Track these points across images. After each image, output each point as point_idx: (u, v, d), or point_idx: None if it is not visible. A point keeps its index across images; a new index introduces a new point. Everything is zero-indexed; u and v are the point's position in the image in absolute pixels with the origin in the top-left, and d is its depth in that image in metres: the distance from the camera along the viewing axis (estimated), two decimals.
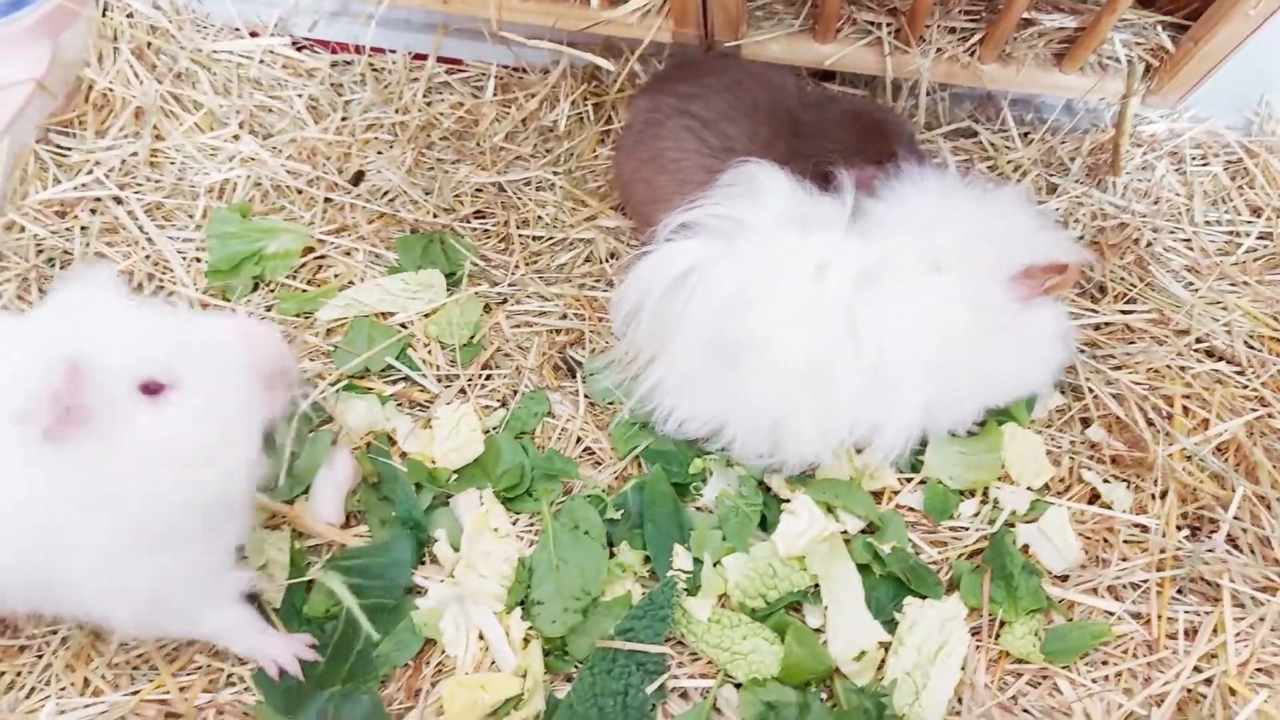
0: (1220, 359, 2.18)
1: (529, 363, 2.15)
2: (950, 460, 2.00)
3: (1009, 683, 1.76)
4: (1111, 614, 1.84)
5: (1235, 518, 1.90)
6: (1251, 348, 2.19)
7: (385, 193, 2.45)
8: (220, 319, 1.46)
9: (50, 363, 1.31)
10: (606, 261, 2.35)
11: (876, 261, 1.81)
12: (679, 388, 1.93)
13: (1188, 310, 2.24)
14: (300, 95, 2.58)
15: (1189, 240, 2.43)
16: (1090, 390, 2.13)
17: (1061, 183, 2.52)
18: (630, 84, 2.58)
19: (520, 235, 2.40)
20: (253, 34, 2.65)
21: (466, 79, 2.70)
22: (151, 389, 1.36)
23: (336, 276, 2.26)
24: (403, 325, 2.18)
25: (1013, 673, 1.78)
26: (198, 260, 2.26)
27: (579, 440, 2.04)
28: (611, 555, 1.85)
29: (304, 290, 2.24)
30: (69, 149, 2.38)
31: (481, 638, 1.75)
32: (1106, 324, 2.26)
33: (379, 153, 2.51)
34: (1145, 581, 1.88)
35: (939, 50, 2.36)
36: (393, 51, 2.70)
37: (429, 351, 2.15)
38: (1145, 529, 1.94)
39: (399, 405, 2.06)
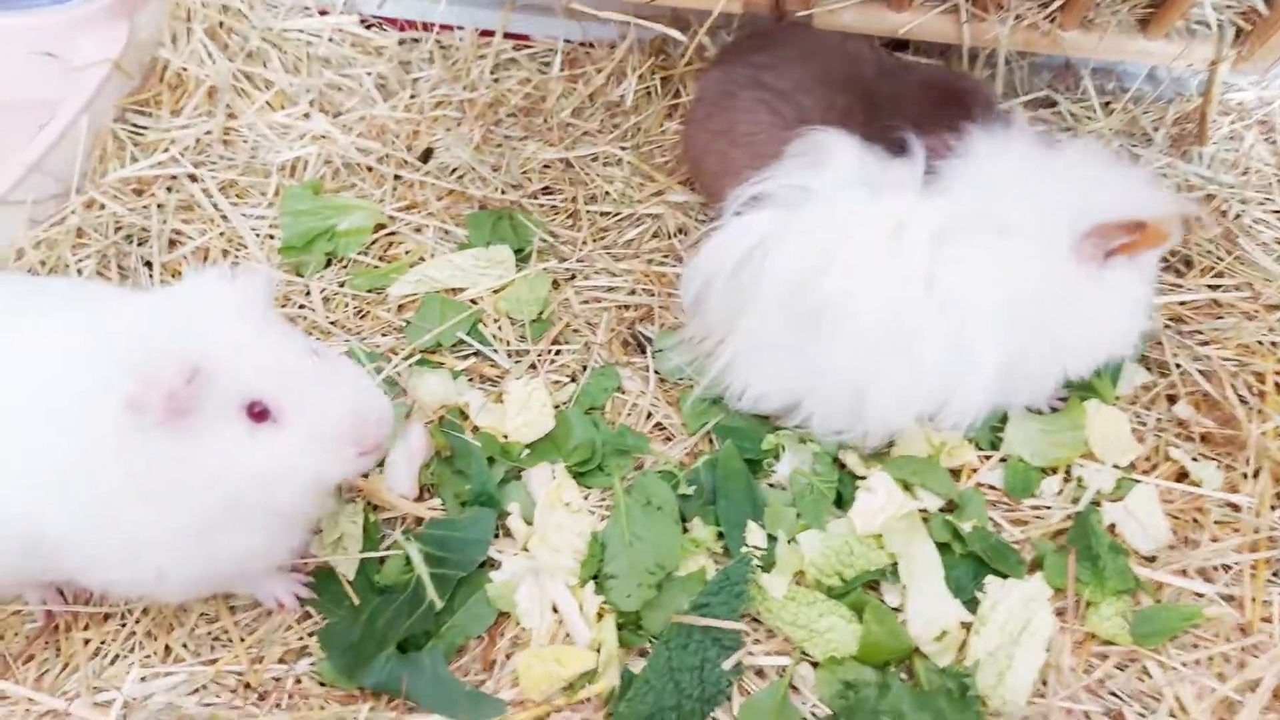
0: None
1: (598, 338, 2.13)
2: (1031, 437, 1.95)
3: (1095, 665, 1.71)
4: (1201, 596, 1.78)
5: None
6: None
7: (454, 170, 2.45)
8: (344, 384, 1.45)
9: (174, 359, 1.32)
10: (675, 237, 2.33)
11: (950, 222, 1.76)
12: (753, 364, 1.91)
13: None
14: (369, 73, 2.58)
15: None
16: (1177, 366, 2.05)
17: (1144, 154, 2.44)
18: (698, 57, 2.55)
19: (588, 211, 2.38)
20: (322, 12, 2.66)
21: (534, 55, 2.69)
22: (256, 414, 1.38)
23: (408, 253, 2.27)
24: (473, 301, 2.18)
25: (1099, 655, 1.72)
26: (270, 237, 2.28)
27: (649, 416, 2.03)
28: (684, 531, 1.83)
29: (376, 266, 2.24)
30: (145, 128, 2.41)
31: (555, 611, 1.74)
32: (1192, 300, 2.18)
33: (447, 130, 2.51)
34: (1237, 563, 1.81)
35: (1018, 17, 2.29)
36: (460, 28, 2.69)
37: (499, 327, 2.14)
38: (1237, 508, 1.87)
39: (470, 380, 2.06)
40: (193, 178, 2.33)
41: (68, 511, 1.44)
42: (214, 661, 1.68)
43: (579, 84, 2.61)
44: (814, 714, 1.64)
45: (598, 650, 1.69)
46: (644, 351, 2.13)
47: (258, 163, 2.40)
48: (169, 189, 2.33)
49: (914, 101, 2.06)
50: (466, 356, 2.10)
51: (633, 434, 1.96)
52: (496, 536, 1.84)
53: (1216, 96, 2.35)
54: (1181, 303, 2.18)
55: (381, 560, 1.80)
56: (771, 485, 1.92)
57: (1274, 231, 2.30)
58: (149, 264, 2.18)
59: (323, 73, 2.58)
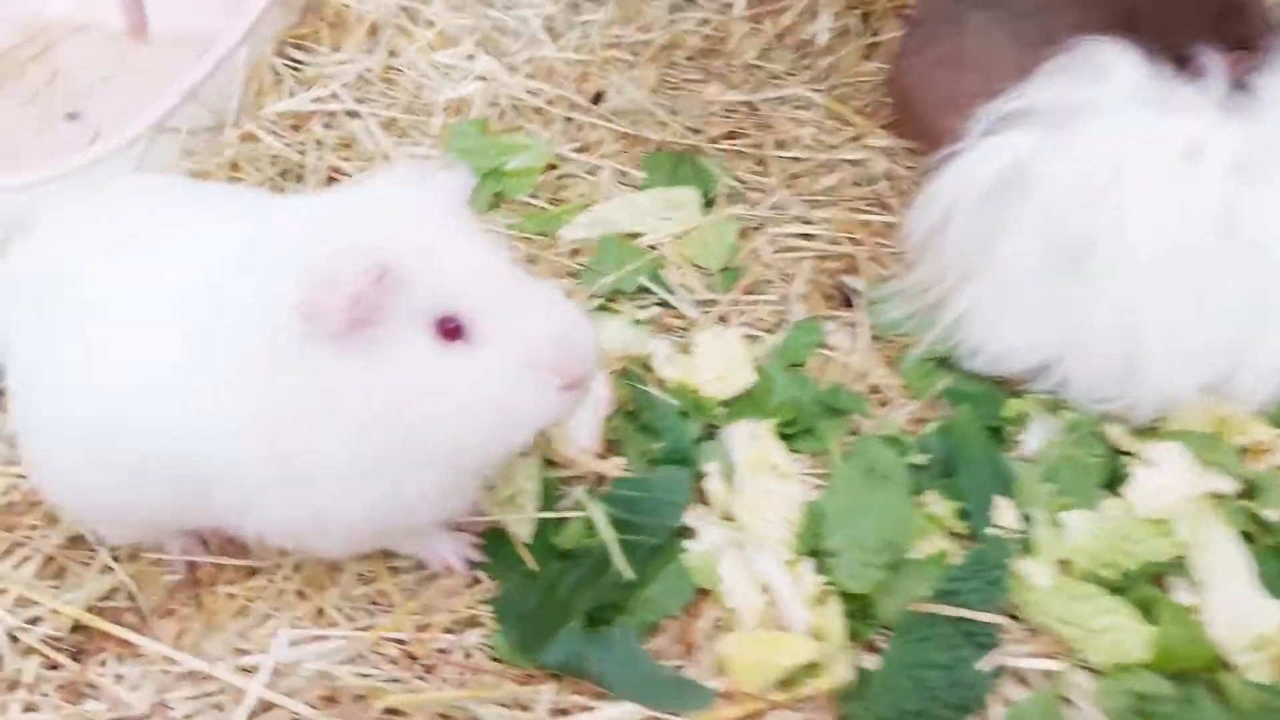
0: None
1: (796, 290, 1.87)
2: None
3: None
4: None
5: None
6: None
7: (627, 113, 2.22)
8: (549, 304, 1.23)
9: (361, 258, 1.12)
10: (879, 183, 2.05)
11: (1258, 150, 1.45)
12: (998, 314, 1.61)
13: None
14: (537, 15, 2.39)
15: None
16: None
17: None
18: None
19: (778, 157, 2.13)
20: None
21: None
22: (447, 331, 1.17)
23: (580, 196, 2.05)
24: (651, 247, 1.94)
25: None
26: None
27: (863, 376, 1.74)
28: (917, 506, 1.54)
29: (545, 209, 2.03)
30: (304, 63, 2.26)
31: (764, 590, 1.47)
32: None
33: (619, 73, 2.29)
34: None
35: None
36: None
37: (682, 275, 1.89)
38: None
39: (651, 330, 1.82)
40: (353, 114, 2.16)
41: (222, 437, 1.24)
42: (371, 627, 1.45)
43: (765, 23, 2.36)
44: None
45: (818, 639, 1.41)
46: (850, 305, 1.85)
47: (420, 102, 2.22)
48: (327, 125, 2.16)
49: (1183, 17, 1.75)
50: (647, 305, 1.86)
51: (847, 393, 1.68)
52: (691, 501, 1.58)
53: None
54: None
55: (560, 522, 1.55)
56: (1018, 459, 1.61)
57: None
58: None
59: (486, 13, 2.40)
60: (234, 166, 2.03)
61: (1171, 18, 1.75)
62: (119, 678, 1.43)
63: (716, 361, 1.71)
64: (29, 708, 1.39)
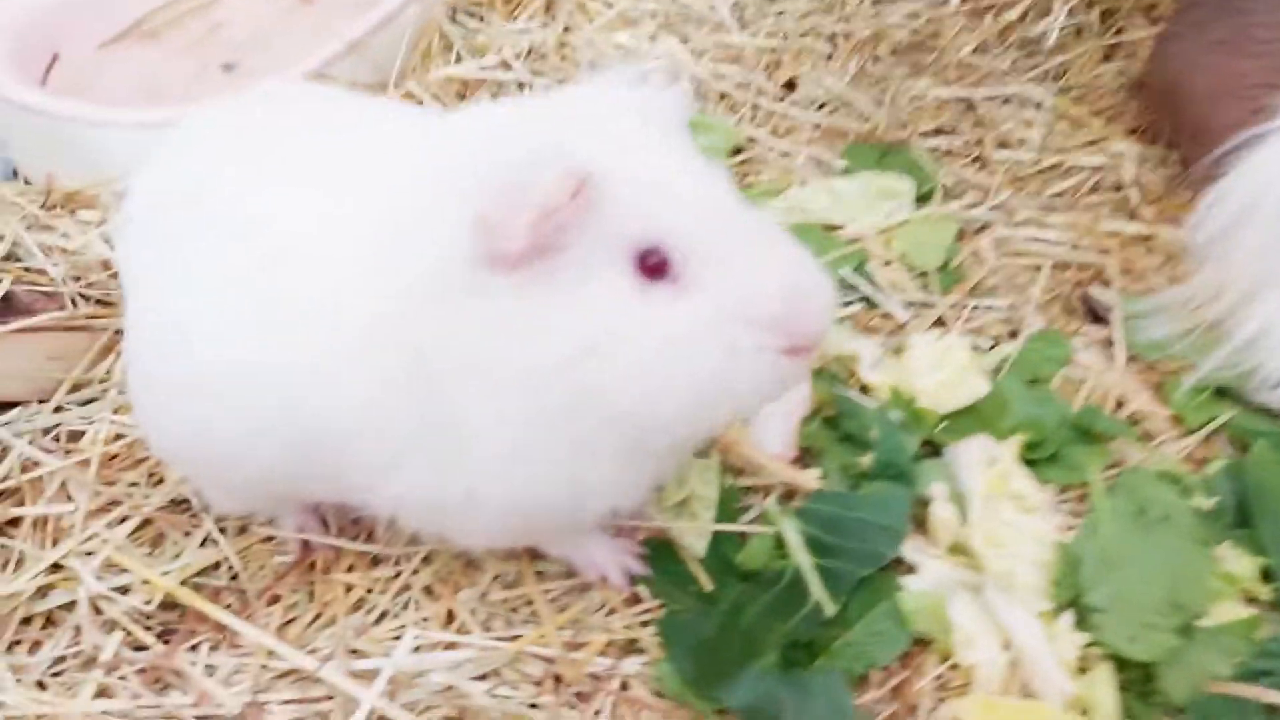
0: None
1: (1033, 299, 1.56)
2: None
3: None
4: None
5: None
6: None
7: (822, 104, 1.98)
8: (776, 246, 0.97)
9: (553, 166, 0.89)
10: (1129, 189, 1.75)
11: None
12: None
13: None
14: (726, 1, 2.18)
15: None
16: None
17: None
18: None
19: (999, 158, 1.84)
20: None
21: None
22: (650, 267, 0.92)
23: (770, 180, 1.80)
24: (853, 240, 1.67)
25: None
26: None
27: (1119, 404, 1.42)
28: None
29: None
30: (476, 30, 2.09)
31: (1008, 646, 1.15)
32: None
33: (814, 63, 2.06)
34: None
35: None
36: None
37: (891, 272, 1.61)
38: None
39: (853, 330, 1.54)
40: (524, 85, 1.97)
41: (363, 388, 1.01)
42: (515, 638, 1.19)
43: (985, 19, 2.10)
44: None
45: (1083, 714, 1.08)
46: (1098, 320, 1.54)
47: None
48: (494, 95, 1.97)
49: None
50: (850, 302, 1.58)
51: (1107, 418, 1.36)
52: None
53: None
54: None
55: (741, 537, 1.27)
56: None
57: None
58: None
59: None
60: None
61: None
62: (210, 669, 1.19)
63: (937, 369, 1.42)
64: (102, 691, 1.16)
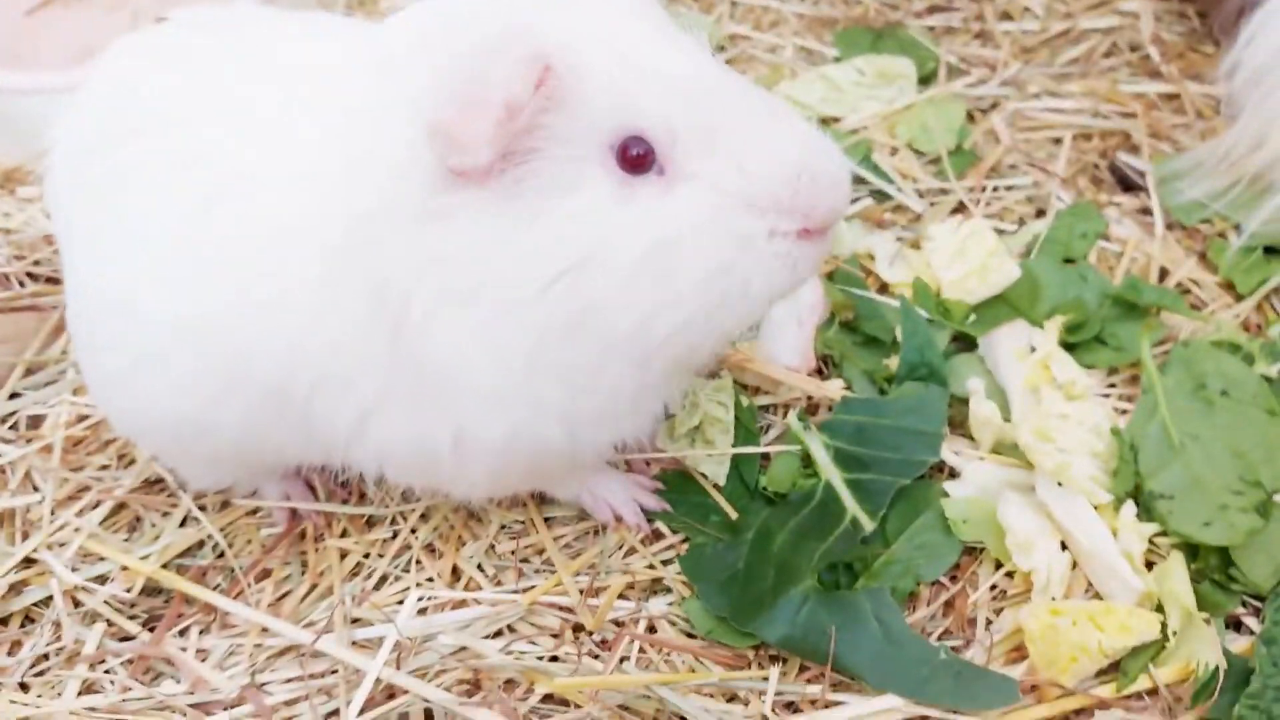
0: None
1: (1058, 171, 1.44)
2: None
3: None
4: None
5: None
6: None
7: None
8: (777, 119, 0.85)
9: (512, 48, 0.77)
10: (1148, 49, 1.61)
11: None
12: None
13: None
14: None
15: None
16: None
17: None
18: None
19: (1004, 30, 1.70)
20: None
21: None
22: (633, 159, 0.80)
23: (758, 79, 1.66)
24: (853, 132, 1.54)
25: None
26: None
27: (1163, 275, 1.30)
28: None
29: None
30: None
31: (1068, 546, 1.04)
32: None
33: None
34: None
35: None
36: None
37: (899, 160, 1.49)
38: None
39: (864, 226, 1.42)
40: None
41: (327, 329, 0.90)
42: (528, 590, 1.08)
43: None
44: None
45: (1157, 611, 0.98)
46: (1129, 189, 1.41)
47: None
48: None
49: None
50: (857, 198, 1.46)
51: (1151, 288, 1.24)
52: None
53: None
54: None
55: (764, 459, 1.16)
56: None
57: None
58: None
59: None
60: None
61: None
62: (202, 652, 1.09)
63: (961, 258, 1.30)
64: (89, 688, 1.07)
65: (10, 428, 1.29)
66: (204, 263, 0.94)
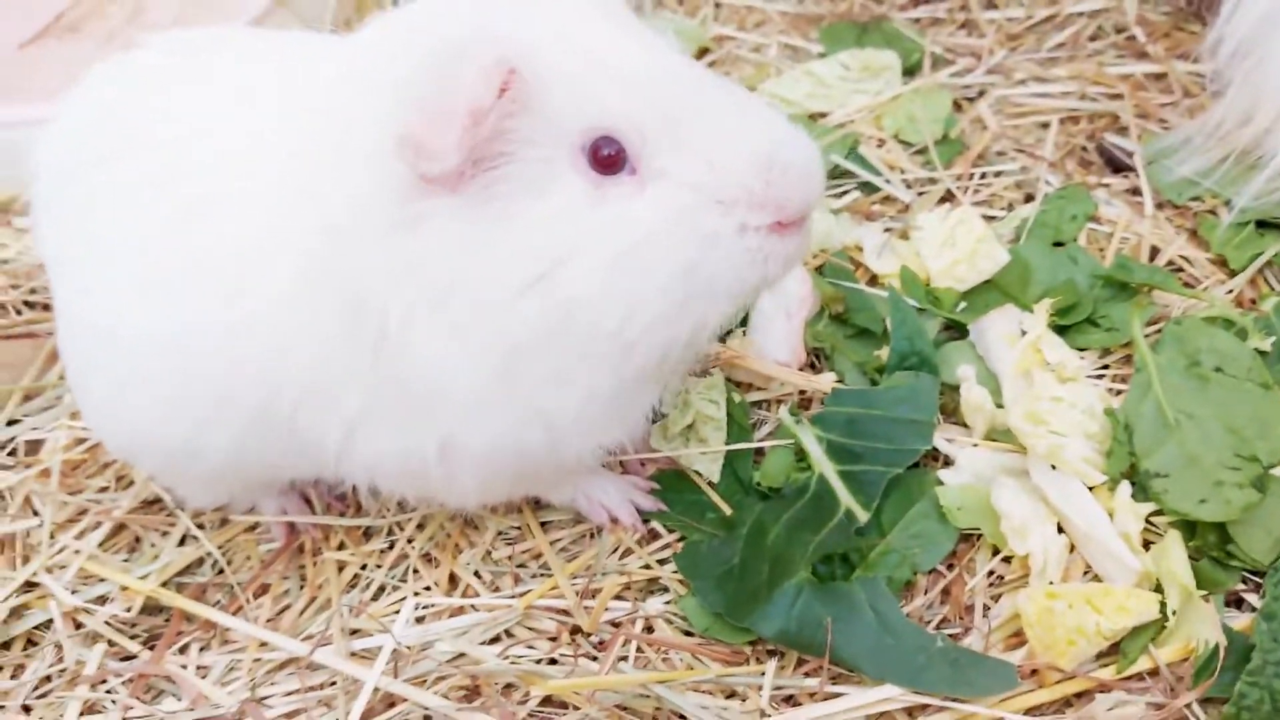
0: None
1: (1046, 155, 1.43)
2: None
3: None
4: None
5: None
6: None
7: None
8: (746, 113, 0.85)
9: (477, 54, 0.78)
10: (1133, 30, 1.60)
11: None
12: None
13: None
14: None
15: None
16: None
17: None
18: None
19: (988, 19, 1.70)
20: None
21: None
22: (604, 160, 0.81)
23: (742, 79, 1.66)
24: (840, 126, 1.54)
25: None
26: None
27: (1154, 253, 1.29)
28: None
29: None
30: None
31: (1064, 529, 1.03)
32: None
33: None
34: None
35: None
36: None
37: (886, 152, 1.48)
38: None
39: (852, 219, 1.41)
40: None
41: (295, 341, 0.91)
42: (524, 595, 1.08)
43: None
44: None
45: (1156, 590, 0.97)
46: (1118, 169, 1.41)
47: None
48: None
49: None
50: (845, 191, 1.45)
51: (1142, 266, 1.24)
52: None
53: None
54: None
55: (758, 454, 1.16)
56: None
57: None
58: None
59: None
60: None
61: None
62: (203, 669, 1.10)
63: (950, 246, 1.29)
64: (91, 708, 1.07)
65: (9, 454, 1.30)
66: (182, 284, 0.94)
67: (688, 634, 1.03)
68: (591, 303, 0.83)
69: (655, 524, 1.14)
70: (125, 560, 1.20)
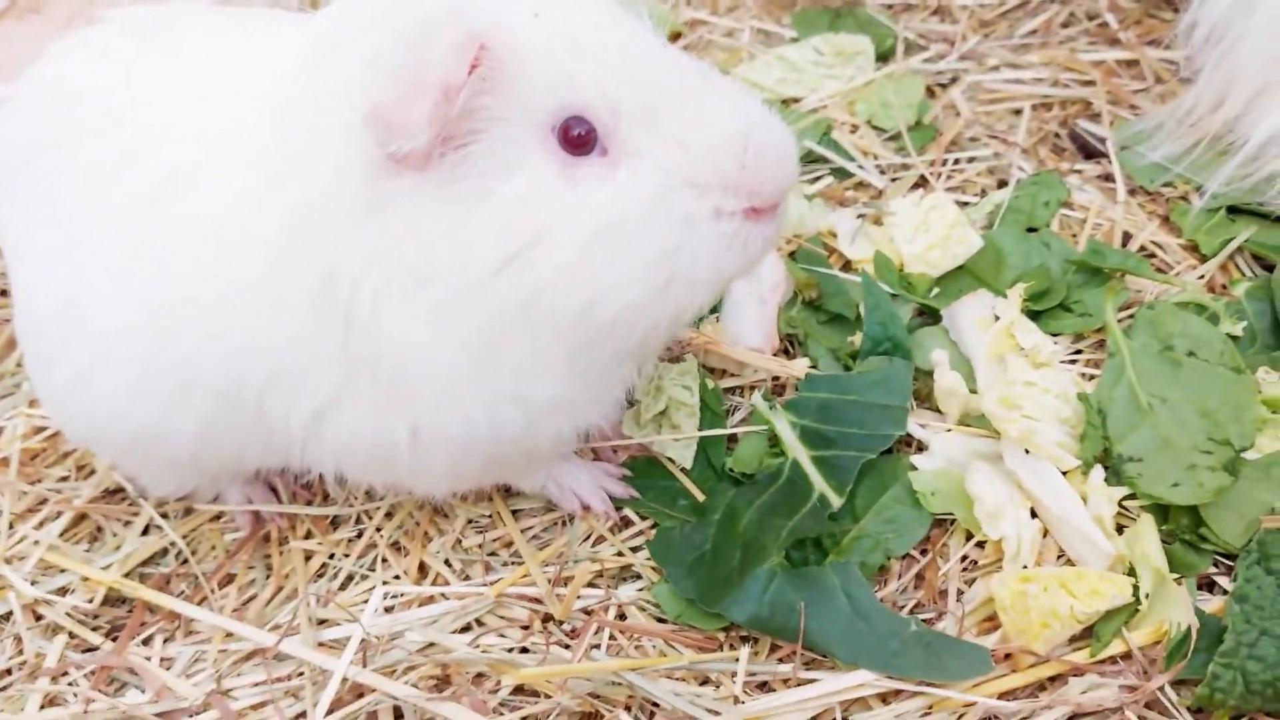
0: None
1: (1019, 141, 1.43)
2: None
3: None
4: None
5: None
6: None
7: None
8: (720, 96, 0.85)
9: (449, 29, 0.77)
10: (1105, 17, 1.60)
11: None
12: None
13: None
14: None
15: None
16: None
17: None
18: None
19: (961, 4, 1.70)
20: None
21: None
22: (575, 140, 0.79)
23: (715, 64, 1.65)
24: (813, 111, 1.53)
25: None
26: None
27: (1127, 239, 1.29)
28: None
29: None
30: None
31: (1037, 514, 1.03)
32: None
33: None
34: None
35: None
36: None
37: (859, 138, 1.48)
38: None
39: (826, 204, 1.40)
40: None
41: (276, 325, 0.89)
42: (494, 583, 1.07)
43: None
44: None
45: (1129, 574, 0.97)
46: (1091, 155, 1.41)
47: None
48: None
49: None
50: (818, 177, 1.44)
51: (1116, 251, 1.24)
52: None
53: None
54: None
55: (730, 441, 1.15)
56: None
57: None
58: None
59: None
60: None
61: None
62: (167, 660, 1.08)
63: (923, 231, 1.28)
64: (51, 701, 1.05)
65: None
66: (147, 265, 0.93)
67: (661, 621, 1.02)
68: (564, 285, 0.82)
69: (628, 511, 1.12)
70: (87, 550, 1.18)
